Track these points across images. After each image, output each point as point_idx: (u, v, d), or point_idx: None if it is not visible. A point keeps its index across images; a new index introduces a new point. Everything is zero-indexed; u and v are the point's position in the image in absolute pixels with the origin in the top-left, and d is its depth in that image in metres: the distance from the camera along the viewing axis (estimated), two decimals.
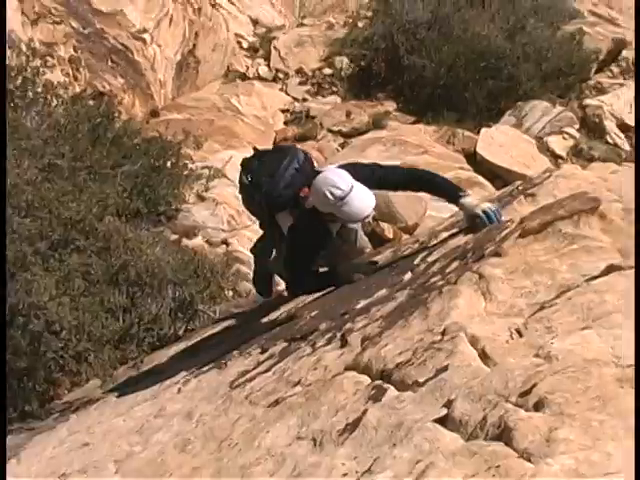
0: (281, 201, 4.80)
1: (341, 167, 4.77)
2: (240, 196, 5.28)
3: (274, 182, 4.76)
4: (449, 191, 4.74)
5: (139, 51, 11.72)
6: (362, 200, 4.54)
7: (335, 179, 4.51)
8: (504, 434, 2.16)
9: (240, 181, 5.08)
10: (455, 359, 2.76)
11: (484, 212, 4.31)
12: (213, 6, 13.50)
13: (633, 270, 2.94)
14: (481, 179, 10.71)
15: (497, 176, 10.82)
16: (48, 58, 9.15)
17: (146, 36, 11.84)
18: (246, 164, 5.07)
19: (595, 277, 3.05)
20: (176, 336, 6.18)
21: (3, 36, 7.14)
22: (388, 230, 8.85)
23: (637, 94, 11.69)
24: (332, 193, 4.45)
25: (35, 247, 5.74)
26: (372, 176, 4.73)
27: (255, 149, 5.39)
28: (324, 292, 4.93)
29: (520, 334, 2.84)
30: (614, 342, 2.45)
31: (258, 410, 3.43)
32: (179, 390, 4.33)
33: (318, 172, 4.86)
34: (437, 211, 8.35)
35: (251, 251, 5.85)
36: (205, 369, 4.48)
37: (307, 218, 4.69)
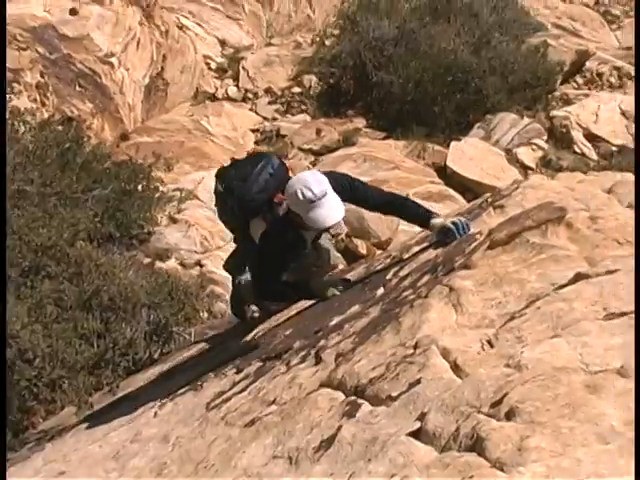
0: (254, 205, 4.73)
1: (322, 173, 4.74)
2: (215, 208, 5.21)
3: (247, 186, 4.72)
4: (420, 215, 4.75)
5: (107, 75, 11.70)
6: (330, 209, 4.50)
7: (310, 181, 4.49)
8: (477, 445, 2.17)
9: (215, 190, 5.02)
10: (427, 372, 2.77)
11: (453, 224, 4.36)
12: (180, 28, 13.54)
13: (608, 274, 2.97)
14: (452, 192, 10.77)
15: (468, 189, 10.88)
16: (14, 84, 9.12)
17: (114, 60, 11.83)
18: (221, 172, 5.03)
19: (563, 285, 3.08)
20: (152, 360, 6.14)
21: (3, 36, 7.04)
22: (362, 246, 8.89)
23: (637, 95, 11.84)
24: (303, 193, 4.42)
25: (6, 274, 5.69)
26: (348, 190, 4.71)
27: (232, 159, 5.38)
28: (298, 310, 4.93)
29: (491, 345, 2.86)
30: (582, 349, 2.48)
31: (234, 430, 3.42)
32: (155, 414, 4.30)
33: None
34: (409, 226, 8.37)
35: (224, 267, 5.76)
36: (181, 392, 4.46)
37: (280, 224, 4.66)
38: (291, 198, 4.52)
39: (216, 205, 5.12)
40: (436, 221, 4.56)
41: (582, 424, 2.08)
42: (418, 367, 2.84)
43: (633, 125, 11.64)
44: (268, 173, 4.78)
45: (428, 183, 10.84)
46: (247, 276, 5.57)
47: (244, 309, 5.65)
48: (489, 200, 4.87)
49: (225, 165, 5.17)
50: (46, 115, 9.98)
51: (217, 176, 5.01)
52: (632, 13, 17.40)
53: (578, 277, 3.08)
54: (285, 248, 4.66)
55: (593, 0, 18.34)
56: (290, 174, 5.11)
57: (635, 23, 12.26)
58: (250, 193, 4.69)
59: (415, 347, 3.04)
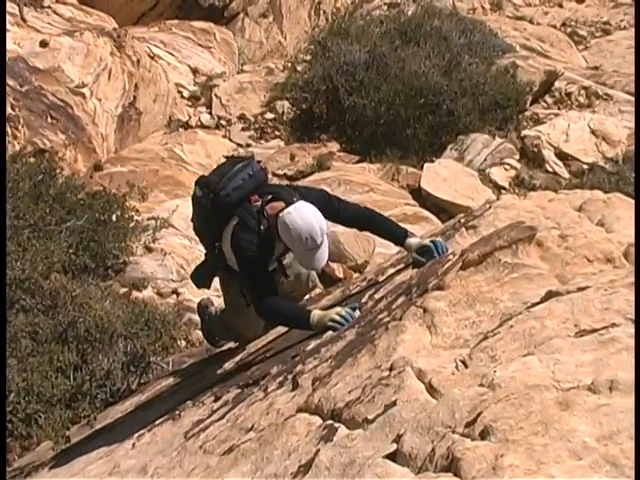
0: (228, 200, 4.63)
1: (301, 193, 4.64)
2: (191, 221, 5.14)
3: (223, 182, 4.67)
4: (397, 234, 4.75)
5: (79, 106, 11.69)
6: (325, 251, 4.45)
7: (315, 227, 4.34)
8: (452, 465, 2.18)
9: (192, 196, 4.96)
10: (403, 394, 2.78)
11: (432, 242, 4.40)
12: (152, 58, 13.56)
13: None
14: (427, 214, 10.82)
15: (442, 210, 10.94)
16: None
17: (85, 91, 11.82)
18: (200, 178, 5.01)
19: (535, 304, 3.11)
20: (129, 390, 6.10)
21: (3, 37, 6.98)
22: (338, 270, 8.89)
23: (637, 98, 11.98)
24: (307, 239, 4.31)
25: None
26: (328, 206, 4.66)
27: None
28: (276, 336, 4.94)
29: (465, 365, 2.87)
30: (555, 366, 2.50)
31: (212, 459, 3.41)
32: (133, 445, 4.28)
33: (276, 186, 4.90)
34: (386, 248, 8.40)
35: (191, 277, 5.54)
36: (159, 422, 4.44)
37: (259, 245, 4.57)
38: (290, 236, 4.38)
39: (192, 214, 5.04)
40: (412, 240, 4.59)
41: (555, 441, 2.09)
42: (394, 389, 2.84)
43: (603, 143, 11.79)
44: (247, 174, 4.73)
45: (403, 205, 10.89)
46: (212, 309, 5.56)
47: (214, 339, 5.64)
48: (462, 221, 4.91)
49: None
50: (18, 147, 9.97)
51: (196, 182, 4.95)
52: (598, 34, 17.70)
53: (549, 295, 3.11)
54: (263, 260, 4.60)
55: (560, 21, 18.61)
56: (269, 181, 5.10)
57: (635, 23, 12.41)
58: (227, 188, 4.62)
59: (390, 369, 3.05)
